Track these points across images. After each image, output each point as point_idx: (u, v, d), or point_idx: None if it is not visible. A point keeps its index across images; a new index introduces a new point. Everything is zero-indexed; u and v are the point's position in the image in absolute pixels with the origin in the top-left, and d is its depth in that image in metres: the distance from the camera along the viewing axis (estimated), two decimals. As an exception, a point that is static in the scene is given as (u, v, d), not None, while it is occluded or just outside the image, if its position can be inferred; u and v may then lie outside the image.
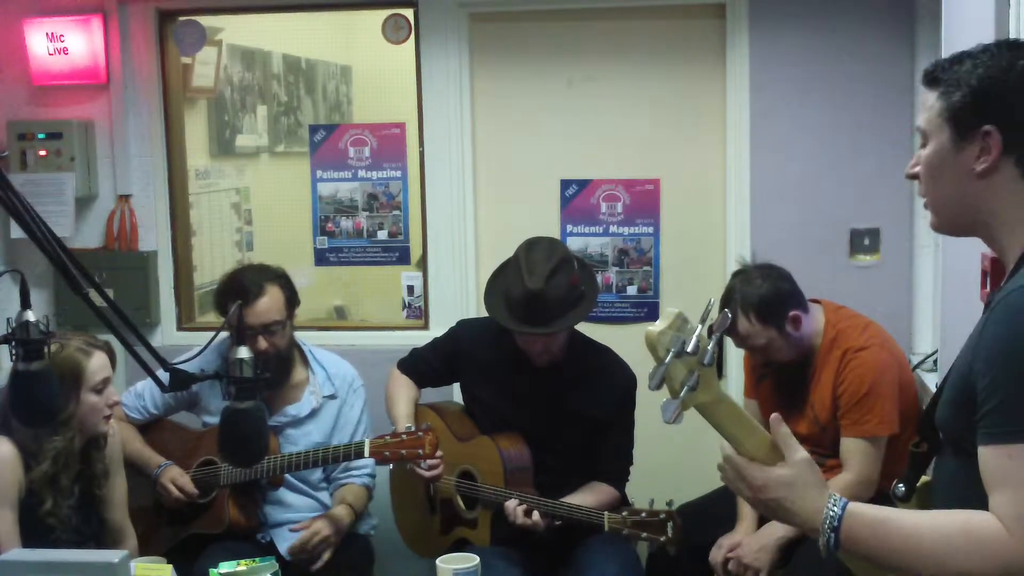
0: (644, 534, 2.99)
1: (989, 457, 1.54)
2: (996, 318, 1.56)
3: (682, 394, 1.59)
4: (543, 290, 3.13)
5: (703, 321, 1.62)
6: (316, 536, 3.26)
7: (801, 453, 1.65)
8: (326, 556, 3.27)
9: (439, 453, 3.18)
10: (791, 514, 1.64)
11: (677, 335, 1.58)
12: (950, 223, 1.72)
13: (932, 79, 1.68)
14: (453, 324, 3.65)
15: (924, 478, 1.85)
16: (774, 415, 1.69)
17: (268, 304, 3.32)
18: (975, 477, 1.56)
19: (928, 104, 1.68)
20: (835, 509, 1.61)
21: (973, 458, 1.57)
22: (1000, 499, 1.52)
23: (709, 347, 1.59)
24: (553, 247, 3.26)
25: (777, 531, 3.21)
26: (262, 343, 3.30)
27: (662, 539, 2.97)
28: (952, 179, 1.66)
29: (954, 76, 1.64)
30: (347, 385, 3.51)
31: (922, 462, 1.84)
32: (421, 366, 3.53)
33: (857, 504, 1.62)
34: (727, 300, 3.26)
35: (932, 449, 1.81)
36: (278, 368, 3.37)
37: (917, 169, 1.71)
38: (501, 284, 3.29)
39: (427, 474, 3.19)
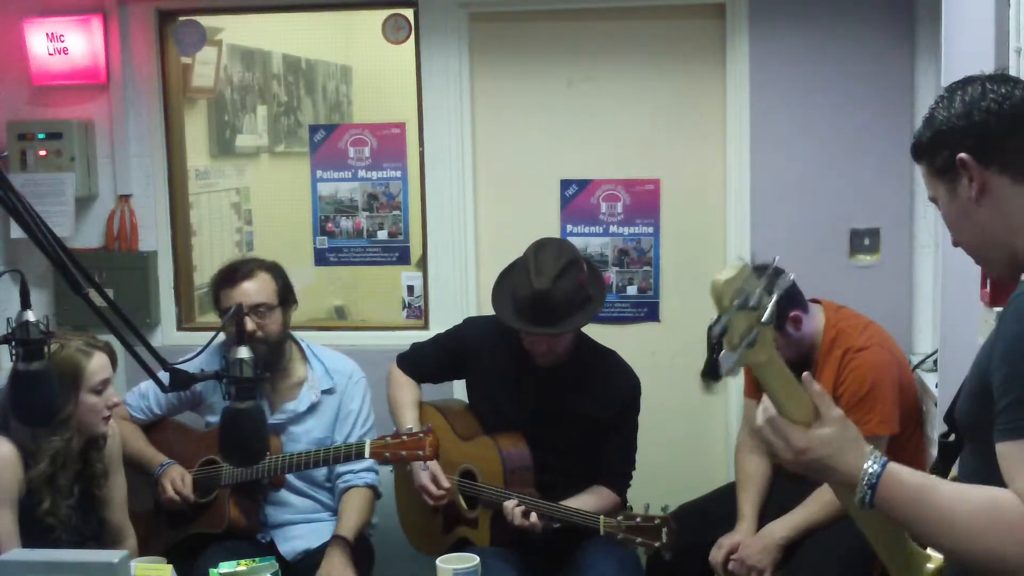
0: (639, 539, 2.99)
1: (1007, 452, 1.56)
2: (1012, 315, 1.61)
3: (741, 348, 1.55)
4: (550, 290, 3.13)
5: (765, 277, 1.58)
6: None
7: (837, 410, 1.66)
8: None
9: (445, 484, 3.24)
10: (832, 471, 1.65)
11: (743, 287, 1.54)
12: (995, 264, 1.78)
13: (915, 153, 1.80)
14: (456, 322, 3.65)
15: (952, 472, 1.87)
16: (805, 374, 1.68)
17: (255, 286, 3.33)
18: (994, 471, 1.58)
19: (923, 175, 1.80)
20: (875, 467, 1.62)
21: (990, 452, 1.59)
22: (1022, 485, 1.54)
23: (769, 305, 1.56)
24: (562, 248, 3.26)
25: (779, 532, 3.22)
26: (249, 324, 3.29)
27: (656, 544, 2.97)
28: (965, 220, 1.75)
29: (924, 141, 1.76)
30: (346, 378, 3.51)
31: (952, 453, 1.87)
32: (422, 362, 3.53)
33: (896, 465, 1.64)
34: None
35: (960, 440, 1.84)
36: (270, 358, 3.34)
37: (952, 236, 1.80)
38: (508, 284, 3.30)
39: (432, 502, 3.26)
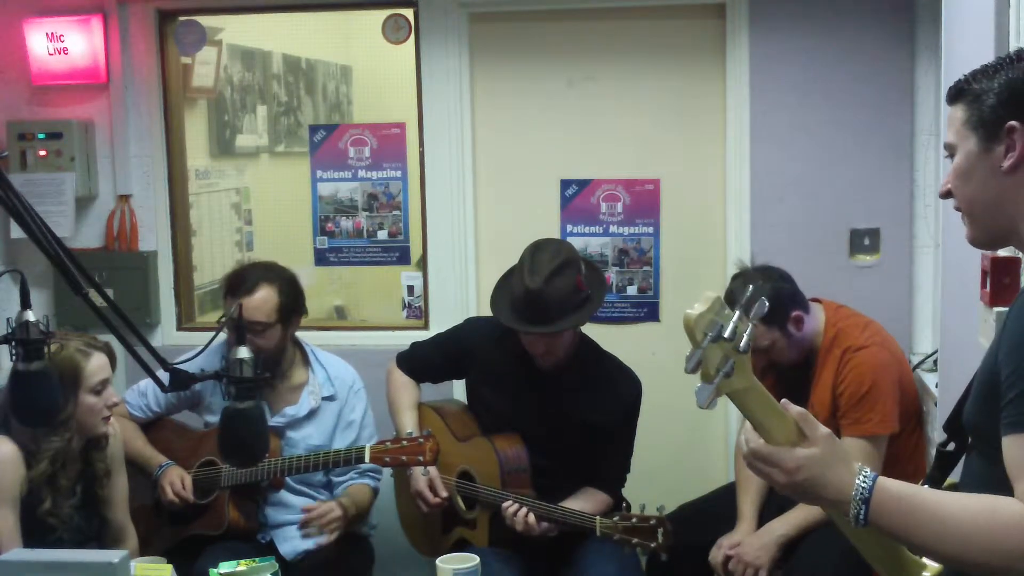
0: (634, 540, 2.99)
1: (1011, 446, 1.55)
2: (1016, 312, 1.60)
3: (716, 380, 1.57)
4: (542, 290, 3.13)
5: (739, 307, 1.59)
6: (331, 513, 3.28)
7: (823, 429, 1.65)
8: (332, 537, 3.28)
9: (443, 493, 3.24)
10: (823, 490, 1.63)
11: (715, 319, 1.56)
12: (985, 231, 1.73)
13: (955, 93, 1.73)
14: (456, 322, 3.65)
15: (950, 480, 1.86)
16: (784, 400, 1.68)
17: (254, 303, 3.29)
18: (1002, 477, 1.57)
19: (954, 118, 1.73)
20: (866, 482, 1.60)
21: (998, 455, 1.58)
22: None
23: (745, 334, 1.57)
24: (559, 248, 3.25)
25: (777, 530, 3.22)
26: None
27: (652, 545, 2.97)
28: (982, 180, 1.69)
29: (976, 87, 1.69)
30: (347, 387, 3.51)
31: (949, 462, 1.86)
32: (422, 362, 3.53)
33: (886, 479, 1.63)
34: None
35: (960, 449, 1.82)
36: (265, 369, 3.34)
37: (949, 185, 1.75)
38: (507, 285, 3.30)
39: (426, 509, 3.27)
